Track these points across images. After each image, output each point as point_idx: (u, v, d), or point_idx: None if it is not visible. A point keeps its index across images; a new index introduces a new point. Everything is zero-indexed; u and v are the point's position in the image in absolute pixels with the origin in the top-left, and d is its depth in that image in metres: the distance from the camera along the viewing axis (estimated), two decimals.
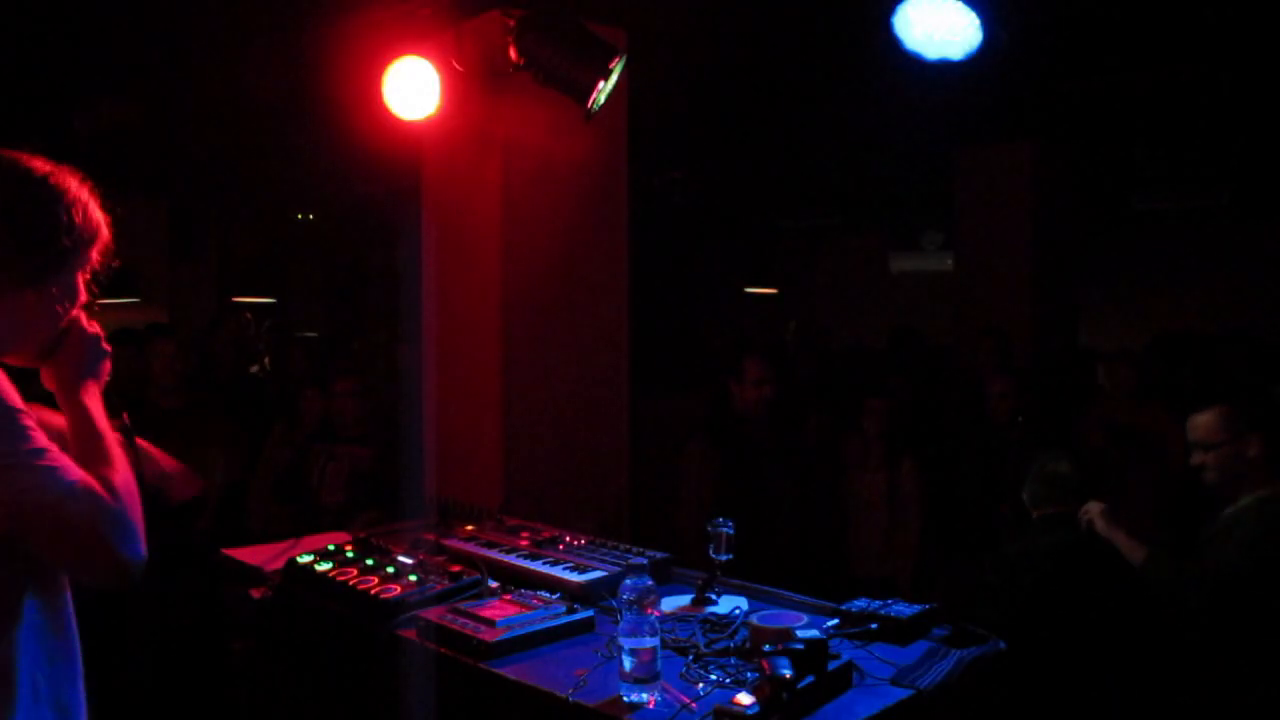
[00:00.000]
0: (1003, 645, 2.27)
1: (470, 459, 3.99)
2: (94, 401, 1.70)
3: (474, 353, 3.99)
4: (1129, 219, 9.49)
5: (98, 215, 1.72)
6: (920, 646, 2.25)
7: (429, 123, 3.84)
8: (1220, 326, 7.22)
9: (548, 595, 2.44)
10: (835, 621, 2.36)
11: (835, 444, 5.07)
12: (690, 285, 10.47)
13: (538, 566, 2.73)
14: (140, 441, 1.83)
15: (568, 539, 2.98)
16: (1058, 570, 3.53)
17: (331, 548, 2.83)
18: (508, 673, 2.11)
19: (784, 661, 1.85)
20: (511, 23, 3.52)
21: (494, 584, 2.60)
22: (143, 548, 1.52)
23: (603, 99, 3.53)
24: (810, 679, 1.89)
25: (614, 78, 3.52)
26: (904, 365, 6.65)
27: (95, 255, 1.72)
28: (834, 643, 2.12)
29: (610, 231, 4.16)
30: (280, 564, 2.78)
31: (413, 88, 3.72)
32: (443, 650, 2.26)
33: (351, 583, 2.57)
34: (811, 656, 1.91)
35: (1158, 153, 7.30)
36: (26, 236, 1.58)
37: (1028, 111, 6.15)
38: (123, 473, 1.58)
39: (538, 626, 2.27)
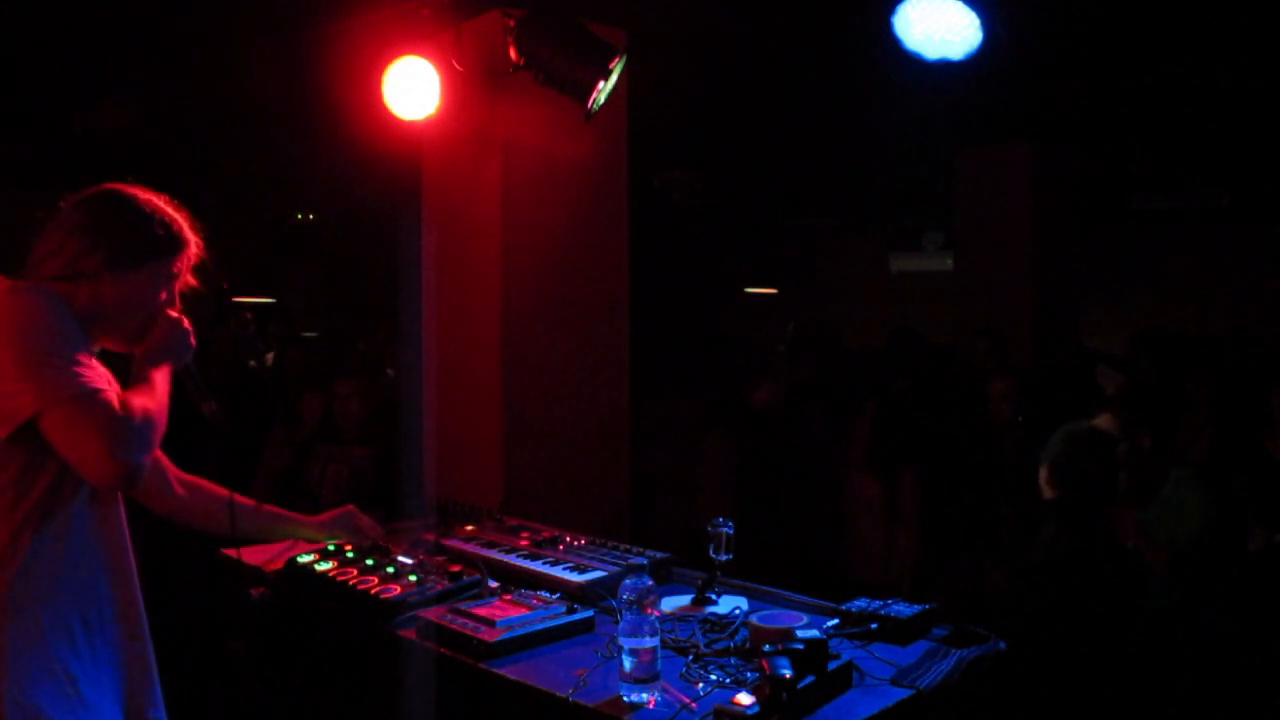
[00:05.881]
0: (1002, 645, 2.26)
1: (470, 459, 3.99)
2: (161, 372, 1.93)
3: (474, 353, 3.99)
4: (1129, 219, 9.49)
5: (184, 233, 2.02)
6: (920, 646, 2.25)
7: (429, 123, 3.84)
8: (1219, 327, 7.22)
9: (548, 595, 2.43)
10: (835, 621, 2.36)
11: (834, 445, 5.05)
12: (690, 285, 10.46)
13: (538, 566, 2.73)
14: None
15: (568, 539, 2.97)
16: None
17: (331, 547, 2.82)
18: (508, 673, 2.11)
19: (784, 661, 1.85)
20: (511, 23, 3.52)
21: (494, 584, 2.60)
22: (139, 458, 1.75)
23: (603, 99, 3.53)
24: (810, 679, 1.89)
25: (614, 78, 3.52)
26: (904, 366, 6.64)
27: (182, 266, 2.03)
28: (834, 643, 2.12)
29: (610, 232, 4.16)
30: (280, 564, 2.78)
31: (413, 88, 3.72)
32: (443, 650, 2.26)
33: (351, 583, 2.57)
34: (811, 656, 1.91)
35: (1158, 153, 7.30)
36: (102, 233, 1.91)
37: (1027, 111, 6.15)
38: (145, 400, 1.82)
39: (538, 626, 2.27)
